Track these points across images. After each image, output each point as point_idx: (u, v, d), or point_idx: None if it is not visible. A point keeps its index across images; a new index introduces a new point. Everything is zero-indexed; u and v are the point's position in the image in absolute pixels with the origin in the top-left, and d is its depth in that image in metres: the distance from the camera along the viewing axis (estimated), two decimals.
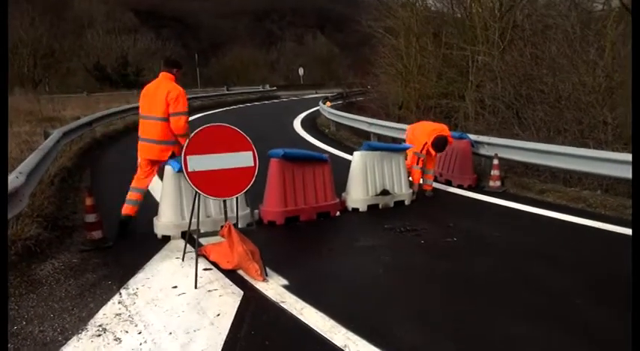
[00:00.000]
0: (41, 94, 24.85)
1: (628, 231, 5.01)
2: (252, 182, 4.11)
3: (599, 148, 7.68)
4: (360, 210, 6.05)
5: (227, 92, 33.24)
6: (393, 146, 6.78)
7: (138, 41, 51.55)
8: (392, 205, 6.25)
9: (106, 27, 52.17)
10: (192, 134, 3.98)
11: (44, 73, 44.48)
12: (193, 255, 4.11)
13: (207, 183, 3.97)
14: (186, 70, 51.88)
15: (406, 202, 6.37)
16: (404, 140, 7.35)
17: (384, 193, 6.19)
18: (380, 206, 6.14)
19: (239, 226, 5.04)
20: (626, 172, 5.83)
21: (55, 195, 6.57)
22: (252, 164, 4.13)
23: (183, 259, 4.41)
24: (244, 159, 4.12)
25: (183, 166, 3.89)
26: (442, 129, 6.70)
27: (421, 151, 6.60)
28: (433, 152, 6.64)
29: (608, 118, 8.17)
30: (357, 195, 6.08)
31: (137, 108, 5.57)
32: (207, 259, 4.37)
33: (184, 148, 3.91)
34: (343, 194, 6.18)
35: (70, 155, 9.63)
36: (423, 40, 15.19)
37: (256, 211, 5.51)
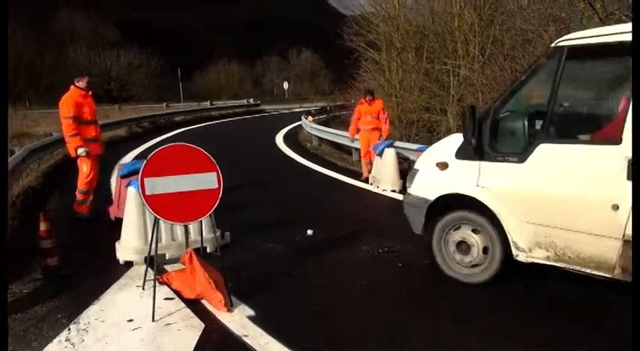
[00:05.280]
0: (19, 110, 24.27)
1: None
2: (215, 205, 3.85)
3: None
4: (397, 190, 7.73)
5: (211, 106, 33.00)
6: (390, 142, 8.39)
7: (121, 56, 51.28)
8: None
9: (89, 42, 51.87)
10: (150, 155, 3.72)
11: (25, 88, 43.76)
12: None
13: (168, 207, 3.71)
14: (169, 84, 51.69)
15: None
16: None
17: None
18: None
19: (209, 250, 4.80)
20: None
21: (15, 217, 6.22)
22: (217, 186, 3.88)
23: (143, 288, 4.12)
24: (208, 180, 3.86)
25: (140, 189, 3.63)
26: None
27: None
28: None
29: None
30: (397, 178, 7.86)
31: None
32: (169, 287, 4.09)
33: (141, 169, 3.65)
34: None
35: (37, 174, 9.24)
36: (404, 54, 15.15)
37: (227, 233, 5.25)
